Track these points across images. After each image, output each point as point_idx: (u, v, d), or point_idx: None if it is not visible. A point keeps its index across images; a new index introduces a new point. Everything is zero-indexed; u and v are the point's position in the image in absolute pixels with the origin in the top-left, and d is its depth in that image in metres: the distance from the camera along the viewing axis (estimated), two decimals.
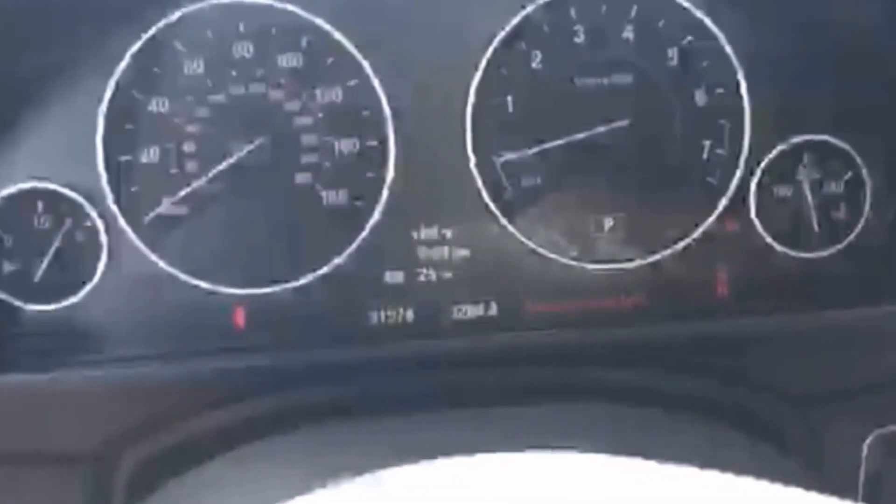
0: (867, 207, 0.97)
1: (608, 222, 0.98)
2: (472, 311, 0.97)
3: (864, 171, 0.97)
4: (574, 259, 0.97)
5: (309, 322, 0.96)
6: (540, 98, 0.96)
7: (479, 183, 0.96)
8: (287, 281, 0.95)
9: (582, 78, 0.96)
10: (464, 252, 0.97)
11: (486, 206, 0.96)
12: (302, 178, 0.95)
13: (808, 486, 0.56)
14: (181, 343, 0.95)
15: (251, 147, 0.94)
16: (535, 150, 0.96)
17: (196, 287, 0.95)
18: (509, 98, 0.96)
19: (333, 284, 0.96)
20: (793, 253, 0.98)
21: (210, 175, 0.94)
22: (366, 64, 0.95)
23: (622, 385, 0.95)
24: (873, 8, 0.94)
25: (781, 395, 0.94)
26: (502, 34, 0.95)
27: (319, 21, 0.94)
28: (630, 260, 0.97)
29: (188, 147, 0.94)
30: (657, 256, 0.97)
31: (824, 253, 0.98)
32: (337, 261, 0.96)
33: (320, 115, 0.95)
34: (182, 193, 0.94)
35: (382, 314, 0.97)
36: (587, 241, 0.97)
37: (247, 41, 0.94)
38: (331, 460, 0.78)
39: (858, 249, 0.97)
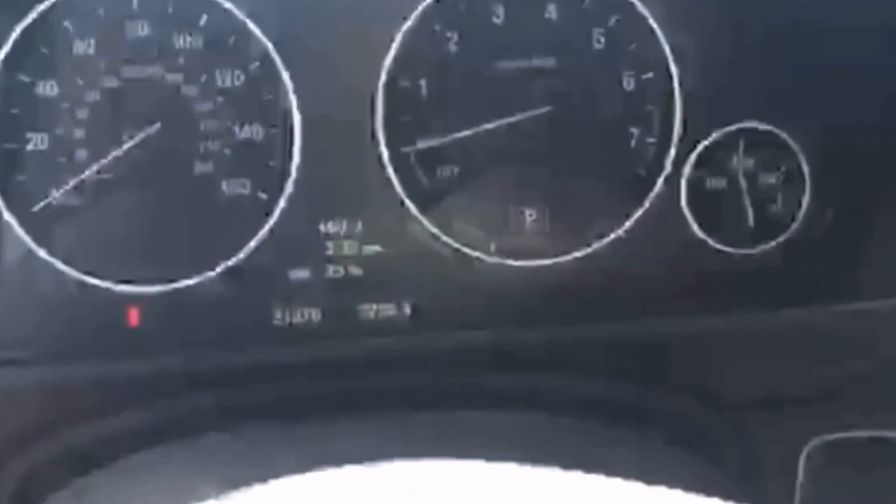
0: (806, 200, 0.92)
1: (530, 215, 0.91)
2: (383, 311, 0.90)
3: (803, 162, 0.91)
4: (494, 255, 0.91)
5: (208, 322, 0.89)
6: (456, 83, 0.90)
7: (391, 173, 0.90)
8: (184, 278, 0.89)
9: (501, 61, 0.90)
10: (375, 248, 0.90)
11: (399, 198, 0.90)
12: (201, 167, 0.89)
13: (740, 498, 0.51)
14: (70, 344, 0.88)
15: (146, 134, 0.88)
16: (451, 137, 0.90)
17: (86, 284, 0.88)
18: (423, 82, 0.90)
19: (234, 281, 0.89)
20: (727, 249, 0.92)
21: (102, 164, 0.87)
22: (269, 45, 0.88)
23: (544, 389, 0.89)
24: None
25: (713, 402, 0.88)
26: (415, 14, 0.89)
27: None
28: (554, 255, 0.91)
29: (79, 133, 0.87)
30: (582, 252, 0.91)
31: (760, 249, 0.91)
32: (238, 256, 0.89)
33: (221, 99, 0.89)
34: (72, 183, 0.87)
35: (287, 313, 0.90)
36: (508, 236, 0.91)
37: (141, 20, 0.88)
38: (225, 469, 0.73)
39: (797, 245, 0.91)
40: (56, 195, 0.87)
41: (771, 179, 0.91)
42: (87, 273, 0.88)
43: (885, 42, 0.91)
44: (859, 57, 0.91)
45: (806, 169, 0.91)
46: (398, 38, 0.89)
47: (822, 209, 0.91)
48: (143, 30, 0.88)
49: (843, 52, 0.91)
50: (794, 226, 0.91)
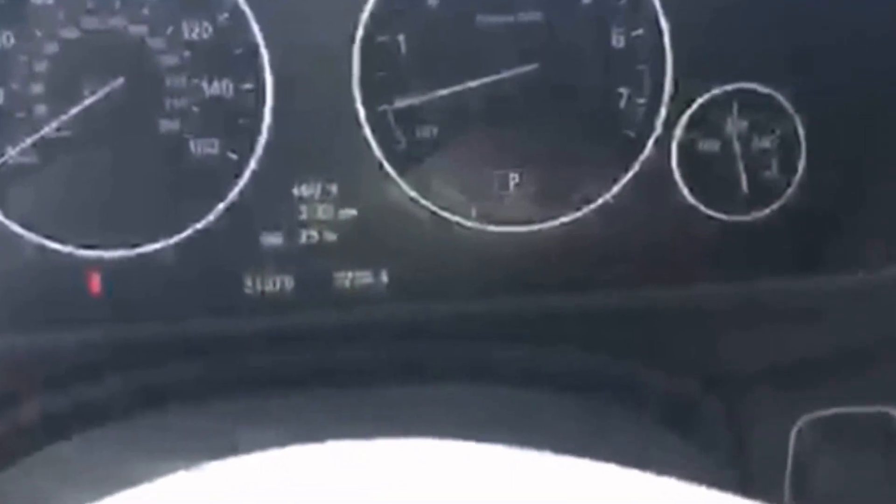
0: (801, 166, 0.88)
1: (514, 179, 0.87)
2: (360, 279, 0.86)
3: (799, 125, 0.87)
4: (475, 220, 0.86)
5: (175, 289, 0.85)
6: (437, 38, 0.85)
7: (368, 133, 0.85)
8: (150, 242, 0.84)
9: (484, 15, 0.85)
10: (351, 211, 0.86)
11: (376, 159, 0.85)
12: (167, 124, 0.84)
13: (729, 477, 0.47)
14: (28, 311, 0.84)
15: (108, 89, 0.83)
16: (431, 96, 0.85)
17: (46, 248, 0.83)
18: (402, 38, 0.85)
19: (203, 247, 0.84)
20: (719, 215, 0.88)
21: (62, 120, 0.82)
22: None
23: (528, 363, 0.85)
24: None
25: (703, 376, 0.85)
26: None
27: None
28: (539, 221, 0.87)
29: (36, 88, 0.82)
30: (568, 217, 0.87)
31: (754, 215, 0.88)
32: (207, 219, 0.84)
33: (187, 53, 0.84)
34: (30, 141, 0.82)
35: (259, 281, 0.85)
36: (490, 201, 0.87)
37: None
38: (194, 444, 0.69)
39: (792, 212, 0.88)
40: (12, 153, 0.82)
41: (765, 143, 0.87)
42: (47, 237, 0.83)
43: (883, 6, 0.87)
44: (858, 19, 0.87)
45: (801, 133, 0.87)
46: None
47: (818, 176, 0.87)
48: None
49: (841, 13, 0.87)
50: (789, 192, 0.87)
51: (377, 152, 0.85)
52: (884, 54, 0.85)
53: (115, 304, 0.84)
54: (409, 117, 0.85)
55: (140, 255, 0.84)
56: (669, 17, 0.86)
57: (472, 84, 0.85)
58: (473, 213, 0.87)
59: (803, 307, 0.86)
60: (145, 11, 0.83)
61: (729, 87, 0.87)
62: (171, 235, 0.84)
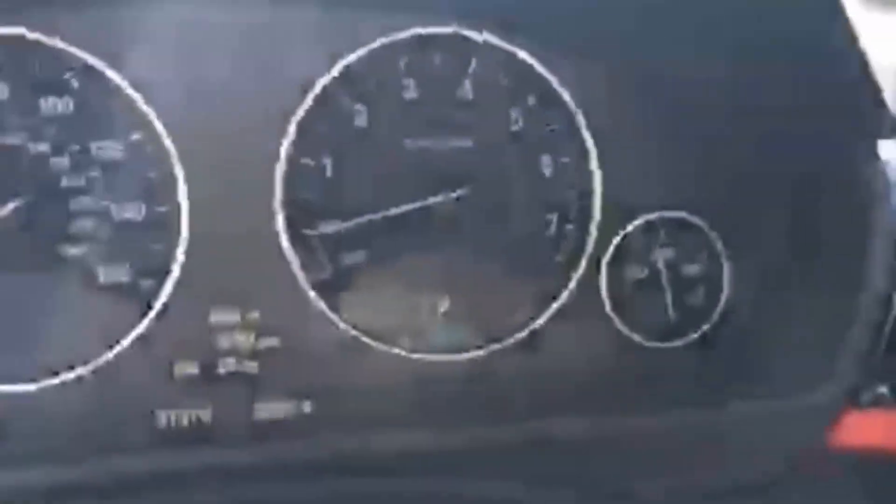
0: (725, 292, 0.89)
1: (443, 306, 0.85)
2: (280, 411, 0.82)
3: (722, 252, 0.89)
4: (404, 349, 0.84)
5: (81, 427, 0.78)
6: (364, 161, 0.83)
7: (292, 259, 0.82)
8: (53, 375, 0.78)
9: (413, 139, 0.84)
10: (272, 340, 0.82)
11: (300, 286, 0.82)
12: (71, 249, 0.78)
13: None
14: None
15: (6, 211, 0.77)
16: (358, 221, 0.82)
17: None
18: (328, 161, 0.82)
19: (112, 379, 0.79)
20: (647, 343, 0.88)
21: None
22: (152, 113, 0.79)
23: (456, 495, 0.82)
24: (733, 80, 0.85)
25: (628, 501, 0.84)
26: (320, 85, 0.81)
27: (94, 60, 0.78)
28: (468, 350, 0.85)
29: None
30: (497, 346, 0.85)
31: (679, 343, 0.88)
32: (117, 350, 0.79)
33: (95, 173, 0.78)
34: None
35: (173, 415, 0.80)
36: (419, 328, 0.84)
37: (2, 82, 0.77)
38: None
39: (716, 338, 0.89)
40: None
41: (691, 270, 0.88)
42: None
43: (797, 124, 0.89)
44: (776, 142, 0.89)
45: (724, 259, 0.88)
46: (301, 111, 0.81)
47: (742, 300, 0.89)
48: (3, 94, 0.77)
49: (760, 137, 0.88)
50: (713, 318, 0.89)
51: (301, 279, 0.82)
52: (806, 182, 0.87)
53: (14, 444, 0.77)
54: (335, 243, 0.82)
55: (41, 391, 0.78)
56: (599, 146, 0.86)
57: (401, 209, 0.83)
58: (402, 341, 0.84)
59: (725, 432, 0.86)
60: (49, 129, 0.77)
61: (655, 215, 0.87)
62: (76, 368, 0.78)
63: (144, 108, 0.78)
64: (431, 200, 0.83)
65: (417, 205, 0.83)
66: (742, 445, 0.84)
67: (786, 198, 0.88)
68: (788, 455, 0.84)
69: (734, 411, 0.84)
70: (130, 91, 0.78)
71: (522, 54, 0.85)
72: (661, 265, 0.87)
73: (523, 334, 0.86)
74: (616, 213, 0.87)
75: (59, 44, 0.77)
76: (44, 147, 0.78)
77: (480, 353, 0.85)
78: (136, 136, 0.79)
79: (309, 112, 0.81)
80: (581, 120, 0.86)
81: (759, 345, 0.88)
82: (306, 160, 0.82)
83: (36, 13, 0.76)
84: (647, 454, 0.84)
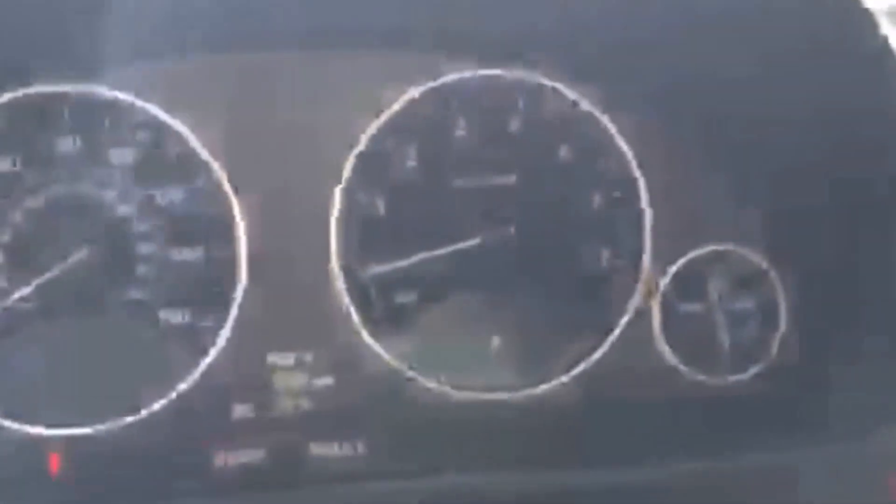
0: (781, 328, 0.87)
1: (495, 343, 0.85)
2: (335, 451, 0.82)
3: (778, 286, 0.88)
4: (457, 388, 0.84)
5: (139, 467, 0.79)
6: (415, 201, 0.85)
7: (345, 300, 0.83)
8: (113, 418, 0.80)
9: (463, 177, 0.85)
10: (326, 380, 0.83)
11: (353, 326, 0.83)
12: (135, 293, 0.81)
13: None
14: None
15: (75, 258, 0.80)
16: (409, 261, 0.84)
17: (2, 426, 0.79)
18: (380, 201, 0.85)
19: (170, 421, 0.81)
20: (702, 378, 0.87)
21: (23, 292, 0.79)
22: (213, 162, 0.82)
23: None
24: (787, 114, 0.85)
25: None
26: (372, 129, 0.84)
27: (157, 111, 0.82)
28: (520, 388, 0.84)
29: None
30: (551, 384, 0.85)
31: (736, 378, 0.87)
32: (175, 392, 0.81)
33: (159, 220, 0.82)
34: None
35: (228, 455, 0.81)
36: (471, 366, 0.84)
37: (73, 134, 0.81)
38: None
39: (771, 376, 0.86)
40: None
41: (746, 304, 0.86)
42: (4, 415, 0.79)
43: (852, 161, 0.88)
44: (832, 176, 0.88)
45: (781, 293, 0.87)
46: (353, 155, 0.84)
47: (798, 337, 0.87)
48: (74, 145, 0.81)
49: (816, 172, 0.87)
50: (770, 354, 0.87)
51: (354, 319, 0.83)
52: (865, 217, 0.86)
53: (75, 485, 0.79)
54: (387, 283, 0.84)
55: (103, 433, 0.80)
56: (649, 179, 0.86)
57: (452, 248, 0.84)
58: (454, 380, 0.84)
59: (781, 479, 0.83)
60: (116, 178, 0.82)
61: (708, 249, 0.87)
62: (136, 411, 0.80)
63: (206, 156, 0.82)
64: (481, 239, 0.85)
65: (469, 243, 0.84)
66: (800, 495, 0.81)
67: (844, 231, 0.87)
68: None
69: (794, 454, 0.81)
70: (193, 140, 0.82)
71: (571, 93, 0.86)
72: (714, 299, 0.86)
73: (575, 373, 0.85)
74: (668, 247, 0.86)
75: (123, 97, 0.82)
76: (111, 195, 0.82)
77: (534, 390, 0.84)
78: (197, 184, 0.82)
79: (361, 156, 0.84)
80: (630, 154, 0.87)
81: (817, 383, 0.85)
82: (360, 202, 0.84)
83: (97, 69, 0.80)
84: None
